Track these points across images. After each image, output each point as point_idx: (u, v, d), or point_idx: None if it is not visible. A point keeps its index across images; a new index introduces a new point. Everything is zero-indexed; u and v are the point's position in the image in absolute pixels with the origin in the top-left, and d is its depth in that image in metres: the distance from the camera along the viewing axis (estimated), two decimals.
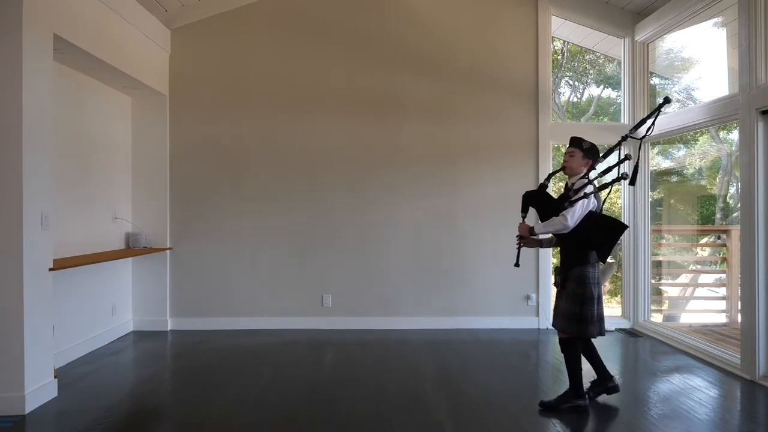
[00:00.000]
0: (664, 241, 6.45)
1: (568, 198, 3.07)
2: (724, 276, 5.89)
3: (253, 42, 5.39)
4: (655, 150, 6.14)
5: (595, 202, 3.13)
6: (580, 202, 3.02)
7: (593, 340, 3.23)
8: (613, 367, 4.19)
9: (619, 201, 6.57)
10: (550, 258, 5.47)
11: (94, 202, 4.62)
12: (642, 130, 3.08)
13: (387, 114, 5.37)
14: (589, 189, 3.07)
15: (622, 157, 3.01)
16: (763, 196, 3.77)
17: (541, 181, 3.61)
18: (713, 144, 6.57)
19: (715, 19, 4.79)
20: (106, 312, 4.79)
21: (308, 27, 5.41)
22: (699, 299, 6.64)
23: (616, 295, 7.81)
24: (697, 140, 6.62)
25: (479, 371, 4.03)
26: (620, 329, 5.39)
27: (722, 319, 5.70)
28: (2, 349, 3.13)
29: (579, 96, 8.36)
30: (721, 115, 4.27)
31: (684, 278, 6.63)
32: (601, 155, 3.24)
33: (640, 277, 5.39)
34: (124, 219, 5.12)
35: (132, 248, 5.08)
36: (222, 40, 5.37)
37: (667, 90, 6.31)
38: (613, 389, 3.33)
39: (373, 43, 5.43)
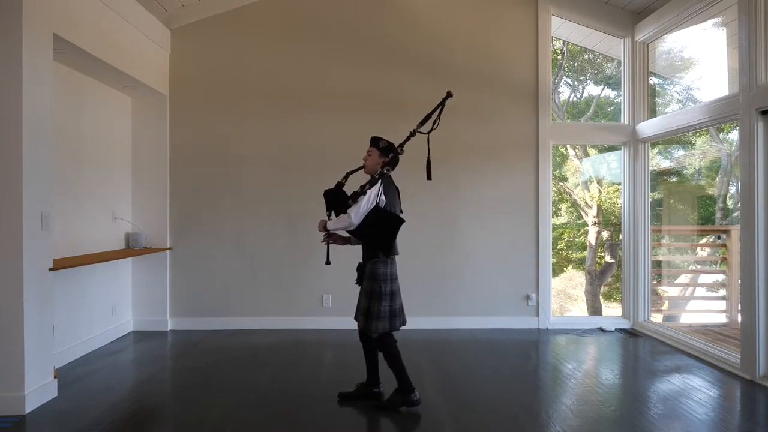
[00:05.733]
0: (664, 241, 6.46)
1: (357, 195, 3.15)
2: (723, 277, 5.89)
3: (253, 42, 5.39)
4: (655, 150, 6.14)
5: (384, 198, 3.18)
6: (364, 199, 3.11)
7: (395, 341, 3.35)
8: (613, 367, 4.20)
9: (618, 201, 6.58)
10: (549, 258, 5.47)
11: (94, 202, 4.62)
12: (428, 125, 3.17)
13: (387, 114, 5.36)
14: (376, 185, 3.15)
15: (399, 151, 3.20)
16: (763, 196, 3.77)
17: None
18: (713, 144, 6.58)
19: (715, 19, 4.79)
20: (106, 312, 4.79)
21: (308, 27, 5.41)
22: (699, 299, 6.65)
23: (616, 296, 7.82)
24: (694, 143, 6.62)
25: (479, 371, 4.03)
26: (620, 329, 5.39)
27: (722, 319, 5.70)
28: (2, 349, 3.13)
29: (578, 96, 8.36)
30: (721, 115, 4.27)
31: (684, 278, 6.64)
32: (399, 149, 3.29)
33: (640, 277, 5.39)
34: (124, 219, 5.12)
35: (132, 248, 5.08)
36: (222, 40, 5.37)
37: (667, 90, 6.32)
38: (377, 396, 3.37)
39: (373, 43, 5.43)
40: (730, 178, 6.25)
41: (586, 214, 8.28)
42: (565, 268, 8.86)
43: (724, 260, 5.87)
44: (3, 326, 3.13)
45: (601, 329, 5.39)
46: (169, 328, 5.30)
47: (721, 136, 6.51)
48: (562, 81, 8.06)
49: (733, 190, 6.29)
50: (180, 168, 5.34)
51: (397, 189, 3.40)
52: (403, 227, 5.68)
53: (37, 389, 3.25)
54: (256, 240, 5.36)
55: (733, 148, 6.10)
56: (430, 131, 3.16)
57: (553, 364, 4.24)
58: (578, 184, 8.48)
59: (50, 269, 3.39)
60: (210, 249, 5.35)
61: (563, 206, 8.74)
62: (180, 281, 5.34)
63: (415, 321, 5.38)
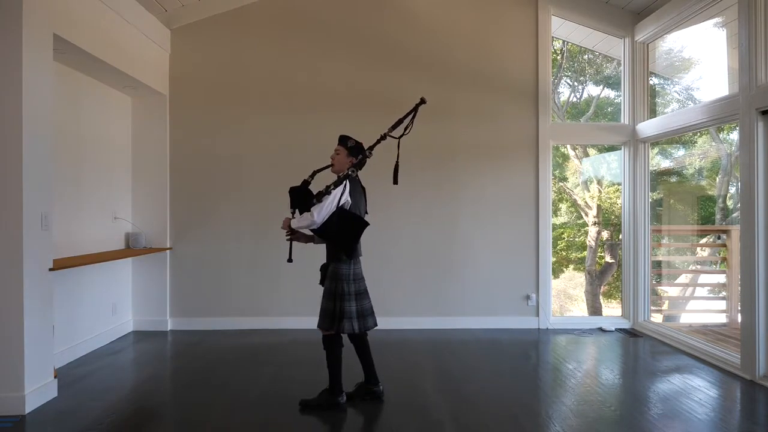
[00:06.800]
0: (664, 242, 6.46)
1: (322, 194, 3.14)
2: (723, 277, 5.89)
3: (253, 42, 5.39)
4: (655, 150, 6.14)
5: (349, 199, 3.15)
6: (329, 198, 3.09)
7: (371, 342, 3.37)
8: (613, 367, 4.20)
9: (618, 201, 6.58)
10: (549, 257, 5.47)
11: (94, 202, 4.62)
12: (399, 129, 3.16)
13: (387, 114, 5.32)
14: (341, 186, 3.12)
15: (367, 154, 3.19)
16: (763, 196, 3.77)
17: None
18: (713, 144, 6.58)
19: (715, 19, 4.79)
20: (106, 312, 4.79)
21: (308, 27, 5.41)
22: (699, 299, 6.65)
23: (616, 296, 7.83)
24: (695, 141, 6.62)
25: (479, 371, 4.03)
26: (620, 329, 5.39)
27: (722, 319, 5.70)
28: (2, 349, 3.13)
29: (578, 96, 8.36)
30: (721, 115, 4.27)
31: (684, 278, 6.64)
32: (367, 152, 3.28)
33: (640, 277, 5.39)
34: (124, 219, 5.12)
35: (132, 248, 5.08)
36: (222, 40, 5.37)
37: (667, 90, 6.32)
38: (377, 394, 3.36)
39: (373, 43, 5.43)
40: (730, 178, 6.25)
41: (586, 214, 8.28)
42: (565, 268, 8.86)
43: (724, 260, 5.87)
44: (3, 326, 3.13)
45: (601, 329, 5.39)
46: (169, 328, 5.29)
47: (721, 136, 6.51)
48: (562, 81, 8.06)
49: (733, 190, 6.29)
50: (180, 168, 5.34)
51: (363, 189, 3.36)
52: (403, 226, 5.68)
53: (37, 389, 3.25)
54: (256, 240, 5.36)
55: (733, 148, 6.10)
56: (401, 136, 3.15)
57: (553, 364, 4.23)
58: (578, 184, 8.48)
59: (50, 269, 3.39)
60: (210, 249, 5.35)
61: (563, 206, 8.74)
62: (180, 281, 5.34)
63: (415, 321, 5.40)
